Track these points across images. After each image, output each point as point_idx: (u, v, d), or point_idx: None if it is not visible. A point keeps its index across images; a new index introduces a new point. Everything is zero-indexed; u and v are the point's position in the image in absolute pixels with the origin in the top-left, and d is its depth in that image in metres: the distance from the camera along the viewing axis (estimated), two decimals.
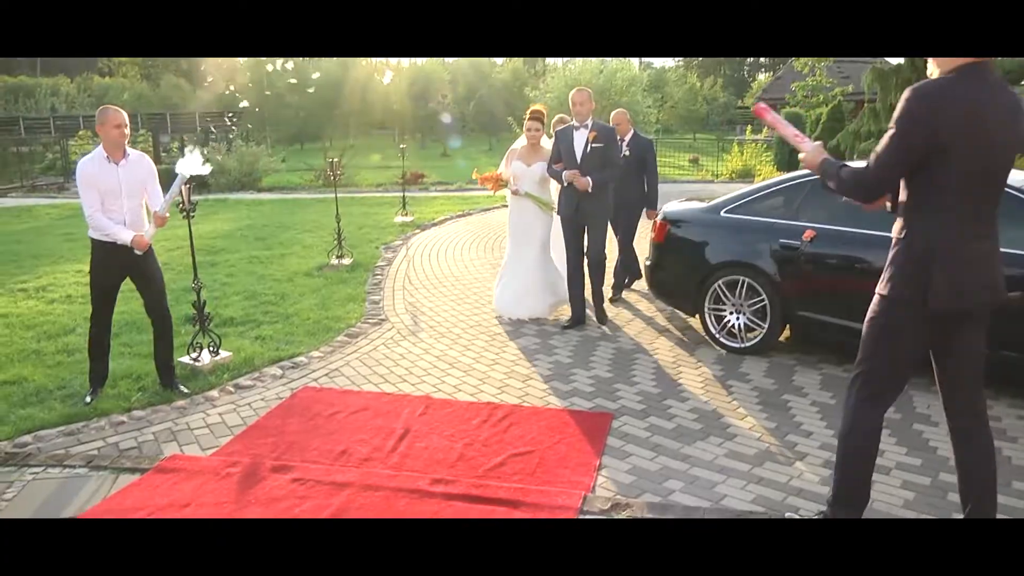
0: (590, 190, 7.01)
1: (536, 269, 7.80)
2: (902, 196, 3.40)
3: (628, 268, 8.73)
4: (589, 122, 7.16)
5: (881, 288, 3.46)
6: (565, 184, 7.16)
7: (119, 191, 5.53)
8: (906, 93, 3.21)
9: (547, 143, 7.73)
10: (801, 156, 3.72)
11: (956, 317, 3.36)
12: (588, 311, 7.64)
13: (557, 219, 7.66)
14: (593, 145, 7.08)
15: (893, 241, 3.44)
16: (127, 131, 5.56)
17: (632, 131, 8.57)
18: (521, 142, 7.95)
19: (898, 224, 3.42)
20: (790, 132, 3.86)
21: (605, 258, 7.52)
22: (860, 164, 3.46)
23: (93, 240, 5.62)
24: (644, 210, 8.58)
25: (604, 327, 7.50)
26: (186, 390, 5.88)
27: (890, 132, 3.24)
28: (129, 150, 5.63)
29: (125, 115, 5.59)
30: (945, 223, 3.23)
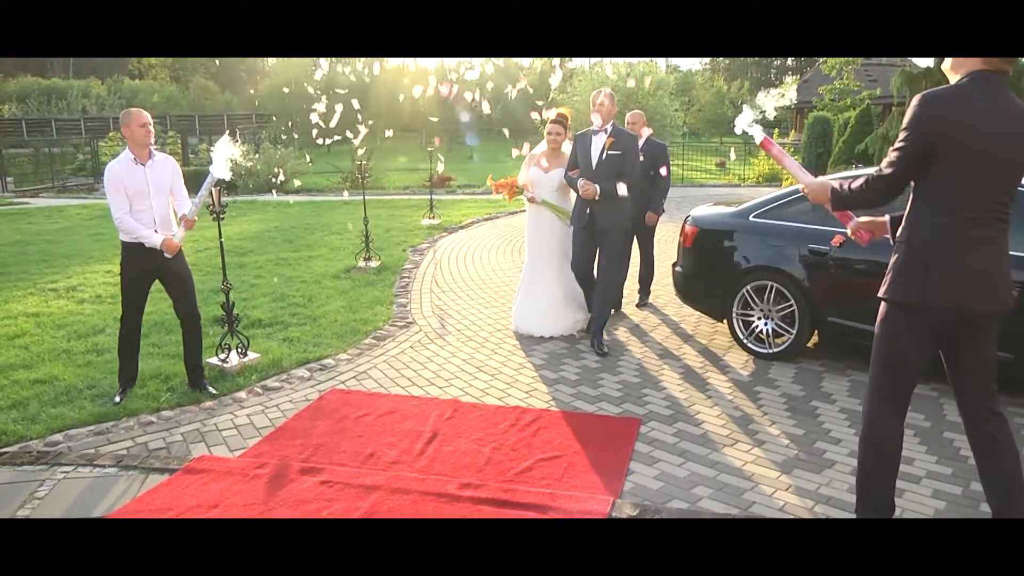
0: (596, 197, 6.58)
1: (557, 284, 7.35)
2: (909, 200, 3.46)
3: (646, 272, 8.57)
4: (609, 127, 6.72)
5: (883, 291, 3.51)
6: (580, 192, 6.73)
7: (147, 191, 5.60)
8: (914, 99, 3.32)
9: (569, 149, 7.24)
10: (804, 190, 3.83)
11: (958, 321, 3.37)
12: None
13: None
14: (609, 152, 6.63)
15: (895, 244, 3.50)
16: (151, 129, 5.63)
17: (646, 134, 7.94)
18: (542, 147, 7.48)
19: (901, 227, 3.48)
20: (794, 166, 3.98)
21: (622, 279, 7.18)
22: (862, 173, 3.60)
23: (123, 242, 5.68)
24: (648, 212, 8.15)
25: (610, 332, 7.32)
26: (214, 391, 5.92)
27: (900, 136, 3.34)
28: (154, 151, 5.70)
29: (148, 115, 5.67)
30: (946, 227, 3.28)
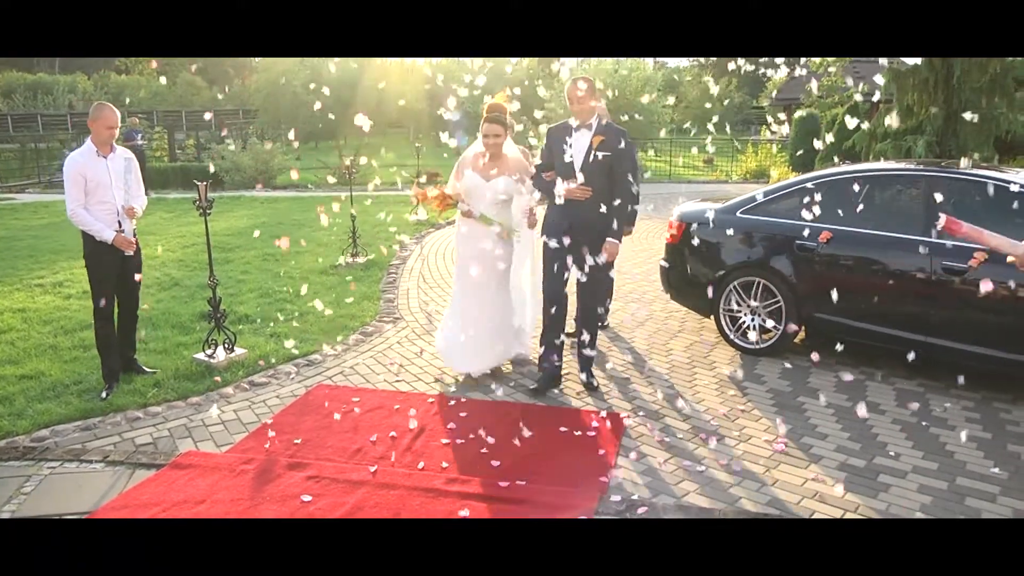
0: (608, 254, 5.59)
1: (490, 315, 6.05)
2: None
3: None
4: (593, 122, 5.61)
5: None
6: (559, 201, 5.51)
7: (110, 182, 5.74)
8: None
9: (512, 151, 6.05)
10: (1015, 260, 3.42)
11: None
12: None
13: (519, 249, 6.25)
14: (598, 152, 5.54)
15: None
16: (116, 131, 5.81)
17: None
18: (476, 147, 6.09)
19: None
20: (994, 238, 3.47)
21: (605, 307, 6.48)
22: None
23: (85, 235, 5.76)
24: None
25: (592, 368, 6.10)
26: (149, 369, 6.11)
27: None
28: (115, 145, 5.85)
29: (117, 116, 5.80)
30: None
